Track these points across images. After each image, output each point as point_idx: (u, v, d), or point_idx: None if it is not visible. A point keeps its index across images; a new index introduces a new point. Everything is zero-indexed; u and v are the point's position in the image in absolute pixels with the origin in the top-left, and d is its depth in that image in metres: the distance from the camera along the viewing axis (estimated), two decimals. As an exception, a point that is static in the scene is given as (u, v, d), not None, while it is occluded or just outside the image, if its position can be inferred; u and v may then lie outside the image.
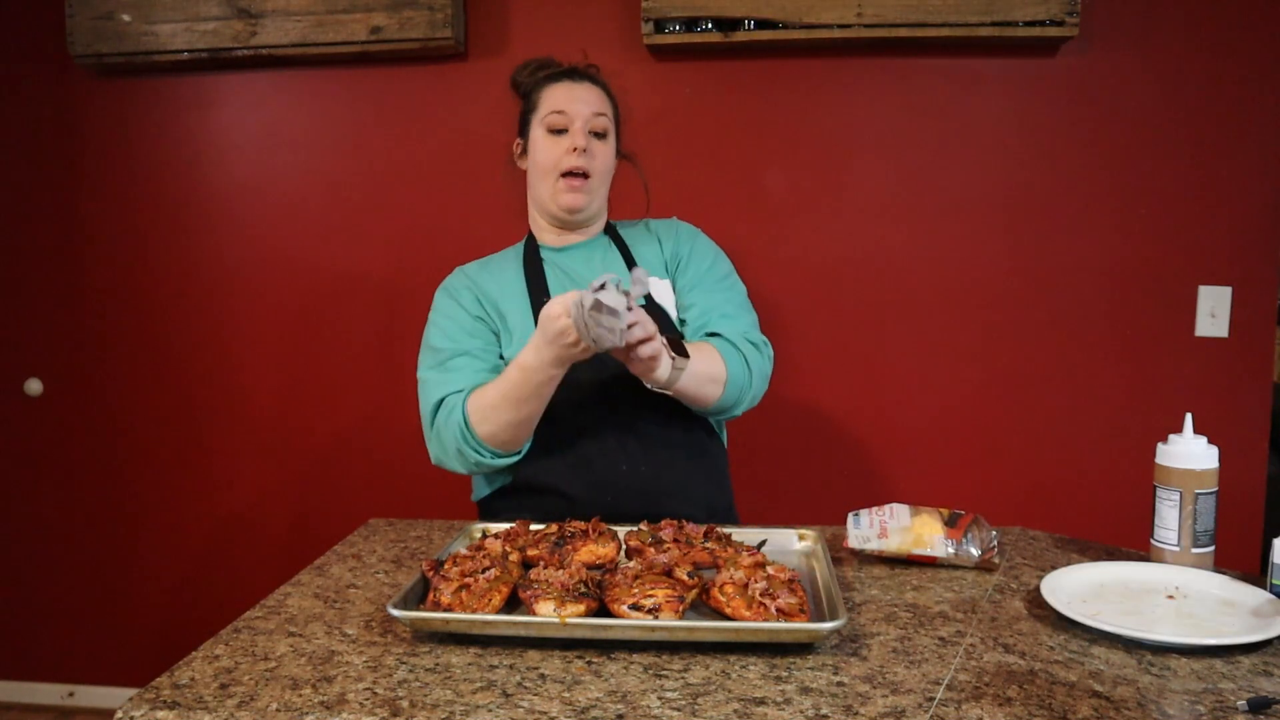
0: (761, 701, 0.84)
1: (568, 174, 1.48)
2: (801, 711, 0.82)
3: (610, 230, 1.60)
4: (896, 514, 1.25)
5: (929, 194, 2.25)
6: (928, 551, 1.21)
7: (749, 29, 2.15)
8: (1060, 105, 2.19)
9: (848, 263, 2.28)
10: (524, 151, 1.56)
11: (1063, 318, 2.24)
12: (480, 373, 1.44)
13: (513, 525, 1.25)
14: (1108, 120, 2.18)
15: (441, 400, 1.44)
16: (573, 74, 1.52)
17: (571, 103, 1.48)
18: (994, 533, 1.22)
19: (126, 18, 2.31)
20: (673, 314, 1.51)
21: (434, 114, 2.36)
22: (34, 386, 2.55)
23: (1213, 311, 2.19)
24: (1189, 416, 1.19)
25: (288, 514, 2.51)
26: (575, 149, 1.47)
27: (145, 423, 2.53)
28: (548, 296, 1.48)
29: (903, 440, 2.31)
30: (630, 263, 1.55)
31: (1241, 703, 0.82)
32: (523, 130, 1.56)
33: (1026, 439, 2.27)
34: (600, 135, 1.50)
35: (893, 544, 1.23)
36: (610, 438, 1.44)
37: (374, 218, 2.41)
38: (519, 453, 1.43)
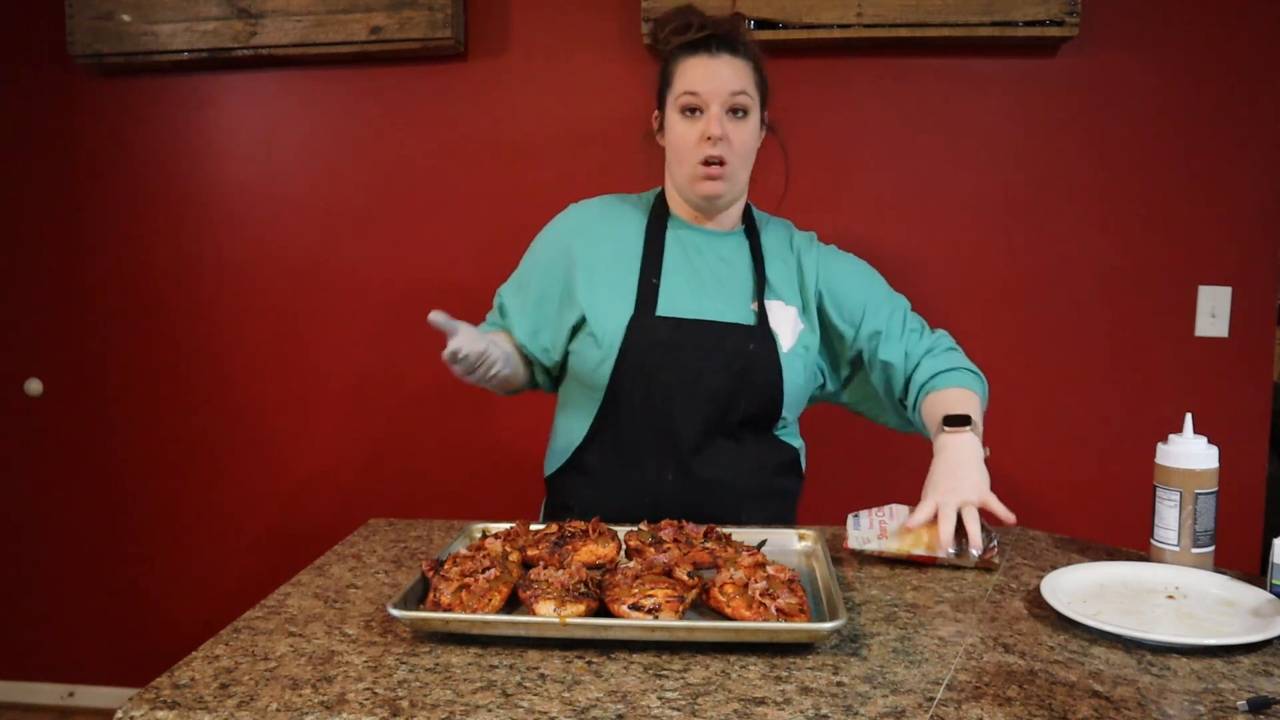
0: (761, 701, 0.84)
1: (705, 162, 1.36)
2: (801, 711, 0.82)
3: (749, 226, 1.49)
4: (896, 514, 1.25)
5: (929, 194, 2.25)
6: (927, 552, 1.21)
7: (749, 29, 2.15)
8: (1060, 105, 2.19)
9: (848, 263, 2.28)
10: (660, 126, 1.44)
11: (1063, 317, 2.24)
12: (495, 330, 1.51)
13: (513, 525, 1.25)
14: (1108, 120, 2.18)
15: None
16: (710, 45, 1.36)
17: (706, 82, 1.34)
18: (994, 533, 1.22)
19: (126, 18, 2.32)
20: (786, 342, 1.42)
21: (434, 114, 2.36)
22: (34, 386, 2.55)
23: (1213, 311, 2.19)
24: (1189, 416, 1.19)
25: (288, 514, 2.51)
26: (710, 138, 1.35)
27: (145, 423, 2.53)
28: (656, 279, 1.41)
29: (903, 440, 2.31)
30: (761, 278, 1.44)
31: (1241, 703, 0.82)
32: (659, 100, 1.44)
33: (1026, 439, 2.27)
34: (740, 113, 1.37)
35: (892, 545, 1.22)
36: (677, 480, 1.40)
37: (374, 218, 2.41)
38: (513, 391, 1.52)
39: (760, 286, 1.44)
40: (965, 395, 1.40)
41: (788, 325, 1.43)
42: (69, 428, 2.57)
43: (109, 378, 2.53)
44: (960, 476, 1.25)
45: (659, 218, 1.47)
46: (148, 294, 2.49)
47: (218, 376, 2.50)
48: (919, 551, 1.21)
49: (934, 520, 1.21)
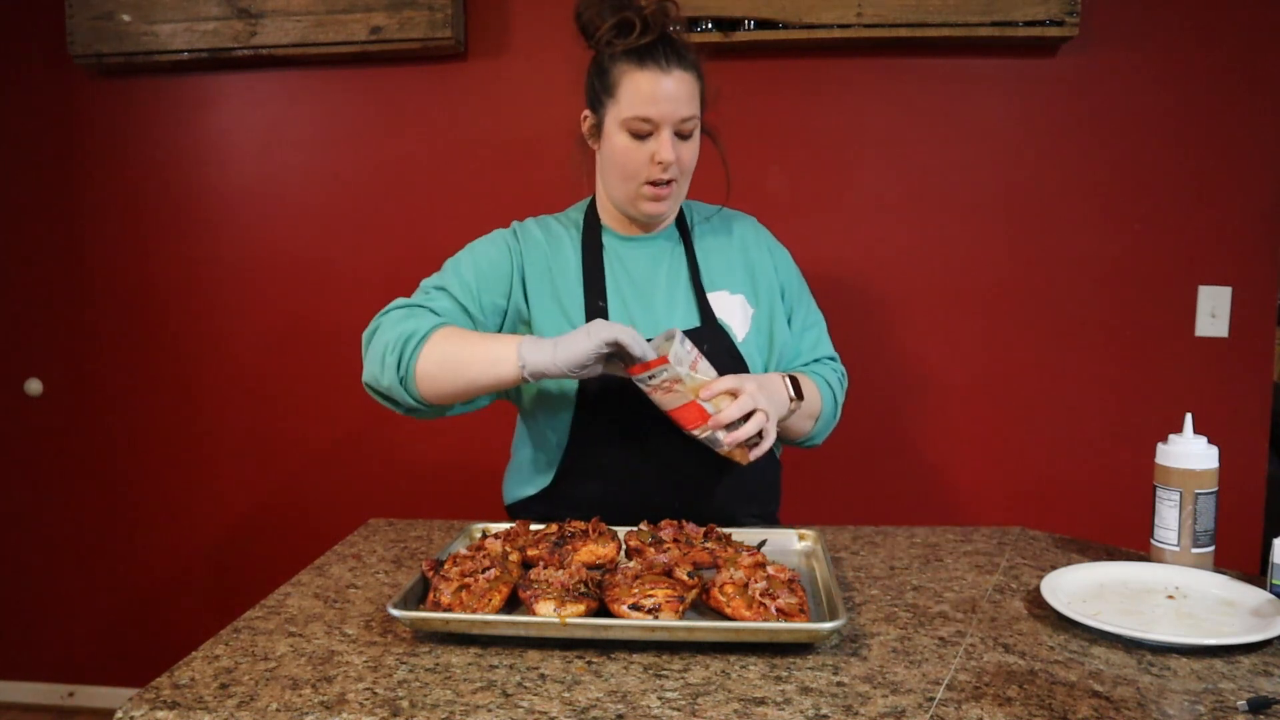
0: (761, 701, 0.84)
1: (654, 183, 1.34)
2: (801, 711, 0.82)
3: (681, 224, 1.46)
4: (704, 370, 1.21)
5: (929, 194, 2.25)
6: (707, 408, 1.18)
7: (749, 29, 2.15)
8: (1060, 105, 2.19)
9: (847, 263, 2.28)
10: (596, 130, 1.38)
11: (1063, 317, 2.24)
12: (456, 317, 1.35)
13: (513, 525, 1.25)
14: (1108, 120, 2.18)
15: (412, 306, 1.35)
16: (659, 56, 1.29)
17: (659, 104, 1.28)
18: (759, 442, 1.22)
19: (126, 18, 2.32)
20: (738, 334, 1.40)
21: (434, 114, 2.36)
22: (34, 386, 2.55)
23: (1213, 311, 2.19)
24: (1189, 416, 1.19)
25: (288, 514, 2.51)
26: (661, 163, 1.31)
27: (145, 423, 2.53)
28: (603, 302, 1.38)
29: (902, 439, 2.31)
30: (696, 274, 1.42)
31: (1241, 703, 0.82)
32: (593, 103, 1.37)
33: (1026, 439, 2.27)
34: (686, 136, 1.33)
35: (682, 381, 1.17)
36: (657, 475, 1.36)
37: (373, 218, 2.41)
38: (432, 412, 1.33)
39: (697, 282, 1.41)
40: (814, 389, 1.43)
41: (736, 313, 1.41)
42: (69, 428, 2.57)
43: (109, 378, 2.53)
44: (770, 390, 1.29)
45: (592, 233, 1.43)
46: (148, 294, 2.50)
47: (218, 376, 2.50)
48: (681, 403, 1.18)
49: (727, 395, 1.19)
